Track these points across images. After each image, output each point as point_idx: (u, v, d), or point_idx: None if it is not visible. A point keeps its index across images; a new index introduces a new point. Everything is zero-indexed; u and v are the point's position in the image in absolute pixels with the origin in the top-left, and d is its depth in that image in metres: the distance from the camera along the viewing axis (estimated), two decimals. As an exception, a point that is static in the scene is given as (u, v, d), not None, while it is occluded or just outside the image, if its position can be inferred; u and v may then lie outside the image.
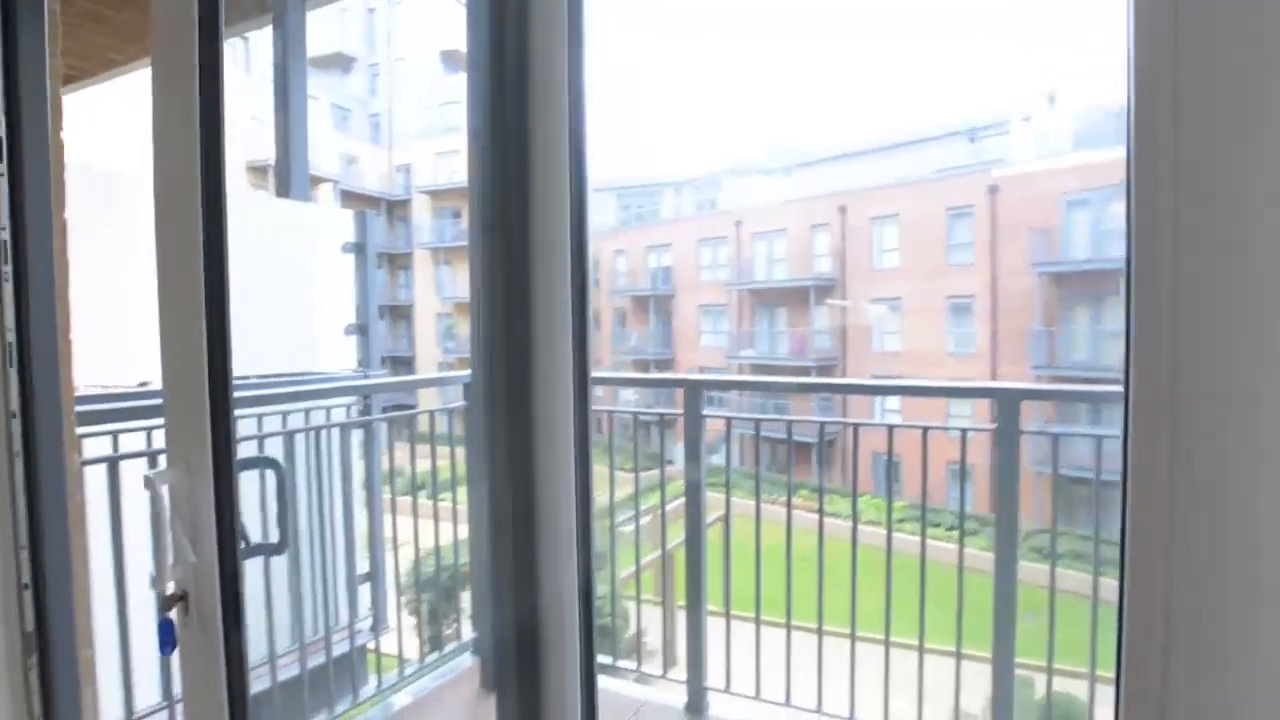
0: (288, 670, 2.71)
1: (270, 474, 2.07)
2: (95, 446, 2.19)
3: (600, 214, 23.23)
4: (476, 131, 1.00)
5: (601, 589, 5.51)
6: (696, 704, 2.82)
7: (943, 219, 16.27)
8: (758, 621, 2.88)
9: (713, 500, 3.17)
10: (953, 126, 18.24)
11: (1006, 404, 2.41)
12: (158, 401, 1.14)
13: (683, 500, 3.02)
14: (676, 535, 3.00)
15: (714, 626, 2.92)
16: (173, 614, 1.00)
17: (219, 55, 1.07)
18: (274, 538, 2.09)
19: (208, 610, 1.01)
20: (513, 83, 0.94)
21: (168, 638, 1.00)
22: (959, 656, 2.64)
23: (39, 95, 1.43)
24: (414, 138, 23.21)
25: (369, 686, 3.05)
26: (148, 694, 2.36)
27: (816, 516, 2.89)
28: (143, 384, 2.88)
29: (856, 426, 3.03)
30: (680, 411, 2.90)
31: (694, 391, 2.87)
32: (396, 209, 23.42)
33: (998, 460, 2.45)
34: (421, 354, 22.14)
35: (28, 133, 1.41)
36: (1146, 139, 0.55)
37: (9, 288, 1.37)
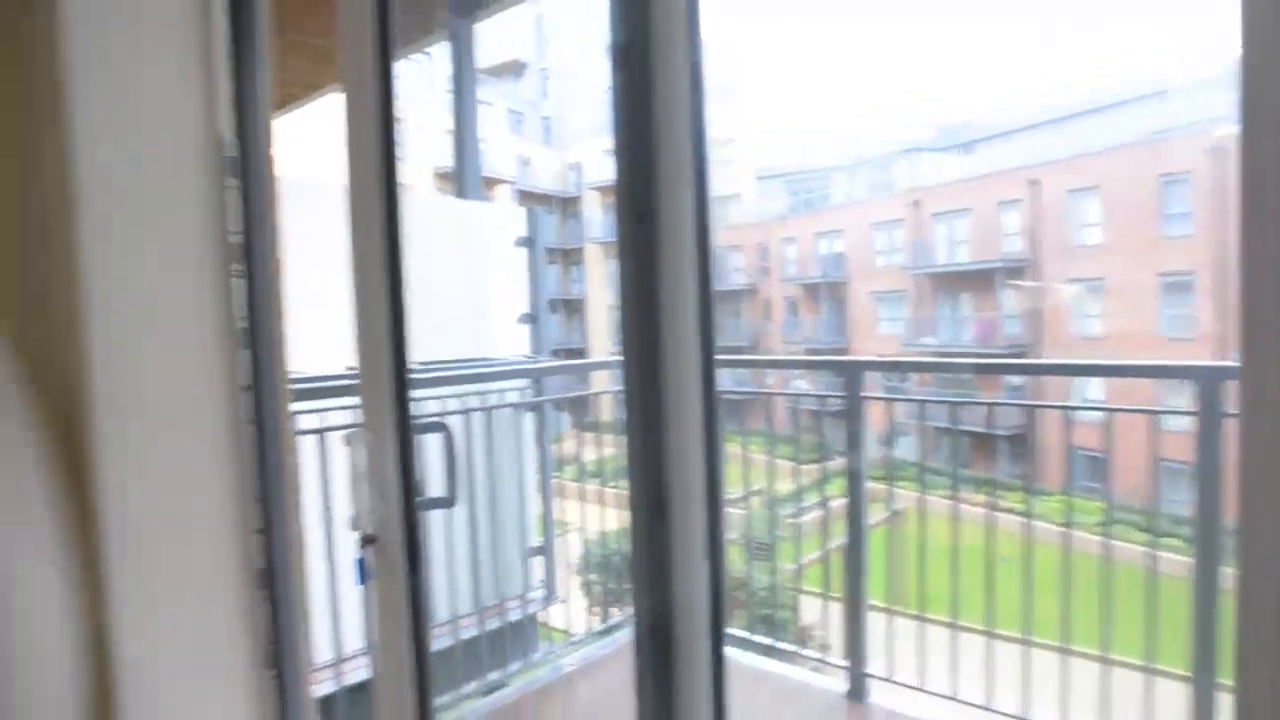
0: (466, 632, 2.99)
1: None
2: (307, 421, 2.54)
3: (768, 201, 22.98)
4: (616, 125, 1.05)
5: (766, 579, 5.54)
6: (858, 690, 2.79)
7: (1155, 187, 14.54)
8: (922, 617, 2.81)
9: (887, 494, 3.10)
10: (1164, 83, 16.25)
11: (1205, 385, 2.17)
12: (349, 383, 1.35)
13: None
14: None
15: (880, 621, 2.87)
16: (366, 553, 1.19)
17: (390, 75, 1.23)
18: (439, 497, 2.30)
19: (393, 551, 1.19)
20: (639, 75, 0.99)
21: (362, 573, 1.20)
22: (1150, 672, 2.43)
23: (259, 120, 1.69)
24: (583, 136, 24.17)
25: (539, 652, 3.30)
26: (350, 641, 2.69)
27: (1004, 515, 2.75)
28: (351, 368, 3.28)
29: (1032, 410, 2.85)
30: (843, 395, 2.84)
31: (852, 375, 2.81)
32: (569, 206, 24.52)
33: (1197, 451, 2.22)
34: (594, 347, 23.05)
35: (252, 152, 1.68)
36: (1254, 95, 0.52)
37: (243, 282, 1.65)
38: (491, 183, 21.23)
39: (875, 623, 2.83)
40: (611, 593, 5.34)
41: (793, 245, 21.64)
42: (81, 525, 1.52)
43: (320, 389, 2.57)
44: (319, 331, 2.25)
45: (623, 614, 3.75)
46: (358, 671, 2.66)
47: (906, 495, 3.02)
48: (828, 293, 20.58)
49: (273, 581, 1.71)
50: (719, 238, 22.13)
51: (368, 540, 1.19)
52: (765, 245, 22.16)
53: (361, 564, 1.20)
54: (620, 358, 1.05)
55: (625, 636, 3.35)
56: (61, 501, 1.49)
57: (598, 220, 23.74)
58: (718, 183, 22.86)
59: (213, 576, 1.63)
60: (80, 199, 1.47)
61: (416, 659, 1.27)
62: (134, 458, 1.52)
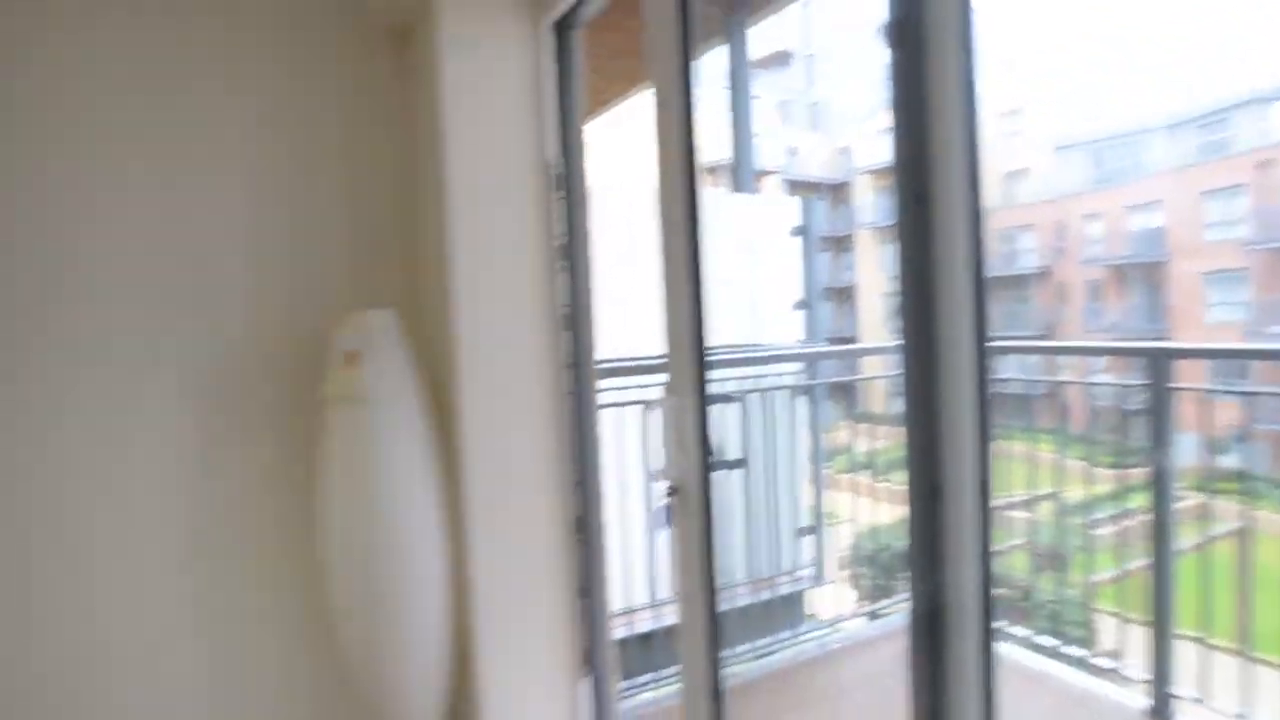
0: (740, 599, 3.21)
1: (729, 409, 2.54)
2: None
3: (1066, 174, 20.56)
4: (892, 105, 1.04)
5: (1053, 590, 5.09)
6: (1162, 709, 2.55)
7: None
8: (1246, 654, 2.48)
9: (1212, 508, 2.77)
10: None
11: None
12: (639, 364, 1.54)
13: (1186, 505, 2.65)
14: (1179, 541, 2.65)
15: (1190, 650, 2.59)
16: (671, 501, 1.43)
17: (690, 81, 1.43)
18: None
19: (692, 500, 1.41)
20: (913, 53, 1.01)
21: (665, 518, 1.44)
22: None
23: (576, 142, 2.02)
24: (853, 119, 23.46)
25: (806, 627, 3.44)
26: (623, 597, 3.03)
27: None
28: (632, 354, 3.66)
29: None
30: (1145, 385, 2.58)
31: (1158, 365, 2.54)
32: (838, 192, 23.99)
33: None
34: (866, 335, 22.36)
35: (572, 169, 2.01)
36: None
37: (567, 276, 1.99)
38: (759, 175, 21.47)
39: (1183, 651, 2.55)
40: (880, 588, 5.27)
41: (1096, 221, 19.11)
42: (448, 471, 1.95)
43: (613, 369, 2.94)
44: (607, 319, 2.57)
45: (890, 602, 3.73)
46: (644, 622, 3.01)
47: (1239, 511, 2.65)
48: (1140, 274, 17.91)
49: (584, 528, 2.05)
50: (1006, 218, 20.25)
51: (671, 491, 1.43)
52: (1062, 223, 19.84)
53: (665, 511, 1.45)
54: (895, 345, 1.08)
55: (891, 621, 3.36)
56: (436, 449, 1.94)
57: (869, 205, 22.93)
58: (1003, 158, 20.92)
59: (541, 519, 2.00)
60: (450, 210, 1.89)
61: (708, 598, 1.48)
62: (486, 415, 1.93)
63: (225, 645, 2.04)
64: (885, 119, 1.07)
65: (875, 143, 21.76)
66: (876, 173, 22.15)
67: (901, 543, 1.12)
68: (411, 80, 2.15)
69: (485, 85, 1.94)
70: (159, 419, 1.95)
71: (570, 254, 2.00)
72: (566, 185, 2.00)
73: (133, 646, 1.94)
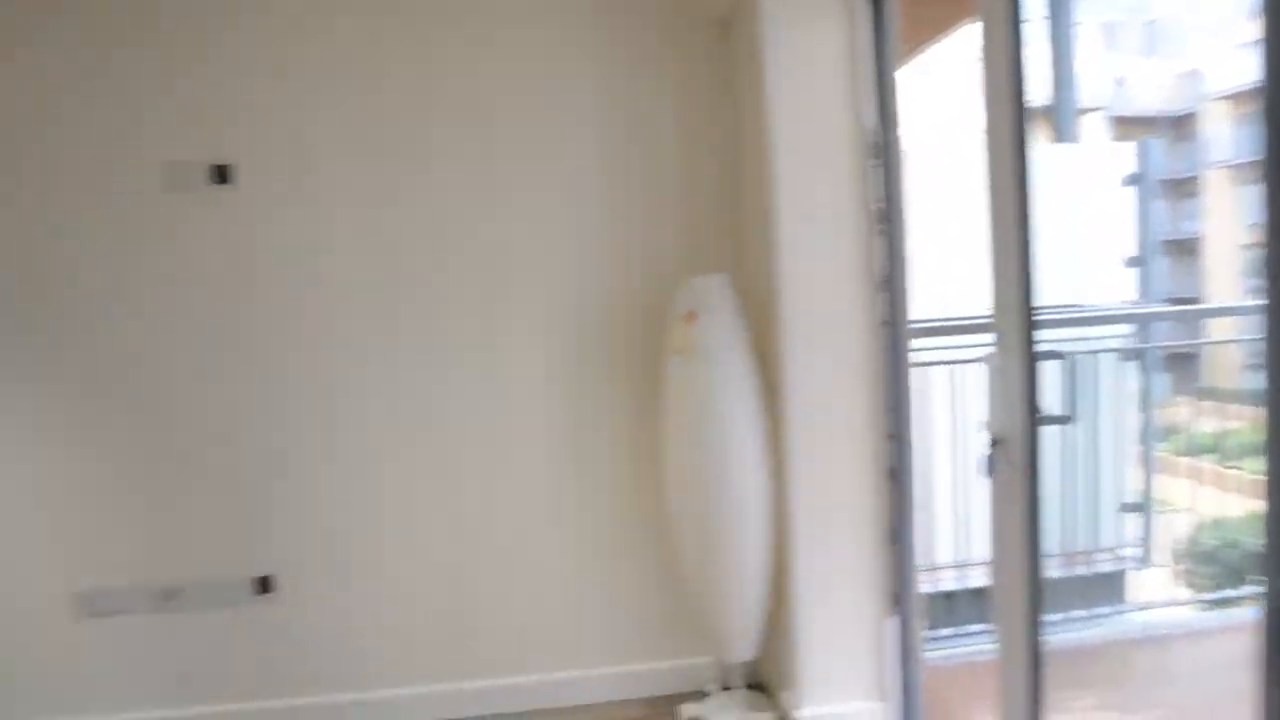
0: (1056, 569, 3.10)
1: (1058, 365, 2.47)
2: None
3: None
4: (1262, 7, 0.88)
5: None
6: None
7: None
8: None
9: None
10: None
11: None
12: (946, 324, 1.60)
13: None
14: None
15: None
16: (994, 452, 1.51)
17: (1019, 21, 1.43)
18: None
19: (1014, 453, 1.46)
20: None
21: (988, 467, 1.52)
22: None
23: (892, 111, 2.09)
24: (1204, 35, 19.53)
25: (1129, 607, 3.21)
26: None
27: None
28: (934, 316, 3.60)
29: None
30: None
31: None
32: (1179, 127, 20.28)
33: None
34: (1213, 295, 18.84)
35: (888, 137, 2.10)
36: None
37: (884, 240, 2.10)
38: (1082, 112, 18.78)
39: None
40: (1219, 583, 4.66)
41: None
42: (771, 417, 2.19)
43: (920, 330, 2.97)
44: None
45: (1231, 595, 3.34)
46: (947, 581, 3.05)
47: None
48: None
49: (896, 478, 2.17)
50: None
51: (995, 442, 1.50)
52: None
53: (988, 460, 1.53)
54: (1254, 306, 0.95)
55: (1231, 615, 3.03)
56: (761, 398, 2.18)
57: (1223, 139, 19.08)
58: None
59: (856, 467, 2.16)
60: (775, 181, 2.10)
61: (1030, 552, 1.52)
62: (807, 369, 2.13)
63: (578, 550, 2.53)
64: (1250, 29, 0.94)
65: (1235, 61, 17.98)
66: (1235, 98, 18.31)
67: (1253, 539, 1.05)
68: (734, 61, 2.38)
69: (805, 59, 2.10)
70: (539, 369, 2.45)
71: (887, 218, 2.10)
72: (883, 151, 2.09)
73: (515, 540, 2.50)
